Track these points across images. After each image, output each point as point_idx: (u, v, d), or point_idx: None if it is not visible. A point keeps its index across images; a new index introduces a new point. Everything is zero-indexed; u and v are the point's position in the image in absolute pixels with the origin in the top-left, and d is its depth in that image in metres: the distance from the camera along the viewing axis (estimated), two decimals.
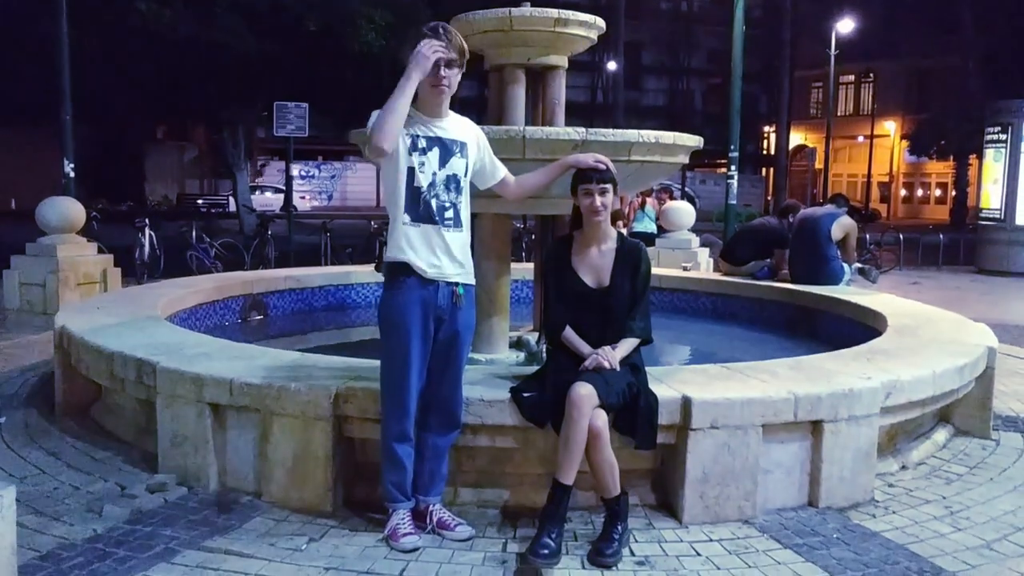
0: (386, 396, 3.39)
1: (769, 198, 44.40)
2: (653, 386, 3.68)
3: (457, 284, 3.38)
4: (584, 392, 3.28)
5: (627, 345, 3.57)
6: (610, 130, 5.25)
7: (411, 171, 3.29)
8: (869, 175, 43.16)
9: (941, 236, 19.29)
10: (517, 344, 6.14)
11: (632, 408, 3.49)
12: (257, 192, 34.87)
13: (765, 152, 51.89)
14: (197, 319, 6.72)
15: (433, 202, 3.31)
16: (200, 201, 36.31)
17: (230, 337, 6.83)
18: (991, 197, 17.39)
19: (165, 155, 42.33)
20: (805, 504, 3.90)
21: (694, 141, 5.68)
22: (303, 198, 40.70)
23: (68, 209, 8.54)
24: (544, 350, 5.98)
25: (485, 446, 3.74)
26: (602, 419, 3.32)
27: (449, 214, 3.35)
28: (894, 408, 4.14)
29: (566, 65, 6.27)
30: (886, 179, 49.84)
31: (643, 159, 5.14)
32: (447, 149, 3.35)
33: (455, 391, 3.48)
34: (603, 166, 3.55)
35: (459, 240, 3.39)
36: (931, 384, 4.31)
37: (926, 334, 5.36)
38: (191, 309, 6.61)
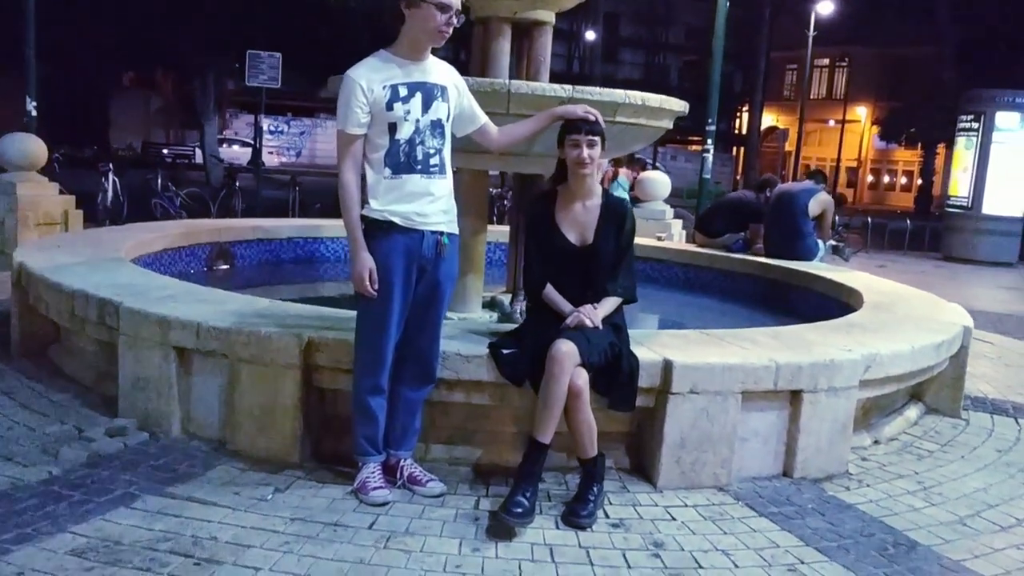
0: (362, 347, 3.27)
1: (738, 177, 44.56)
2: (633, 348, 3.60)
3: (442, 233, 3.26)
4: (565, 349, 3.19)
5: (610, 304, 3.49)
6: (597, 88, 5.13)
7: (393, 126, 3.15)
8: (839, 159, 43.43)
9: (908, 222, 19.47)
10: (491, 304, 6.05)
11: (613, 369, 3.41)
12: (224, 145, 34.23)
13: (737, 131, 51.98)
14: (162, 264, 6.52)
15: (419, 150, 3.17)
16: (166, 151, 35.59)
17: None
18: (959, 185, 17.55)
19: (131, 103, 41.26)
20: (780, 474, 3.86)
21: (680, 106, 5.58)
22: (271, 153, 40.06)
23: (29, 146, 8.24)
24: (519, 311, 5.90)
25: (460, 402, 3.64)
26: (583, 378, 3.23)
27: (435, 160, 3.21)
28: (872, 382, 4.11)
29: (553, 21, 6.11)
30: (854, 164, 50.28)
31: (628, 121, 5.04)
32: (429, 93, 3.20)
33: (432, 344, 3.37)
34: (592, 117, 3.44)
35: (445, 187, 3.26)
36: (909, 359, 4.29)
37: (902, 311, 5.34)
38: (156, 254, 6.41)
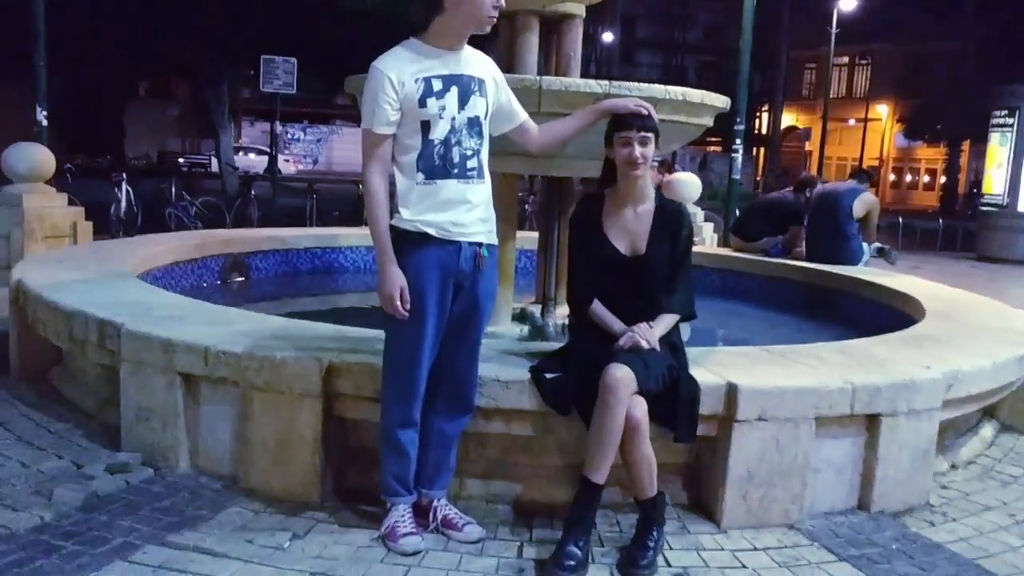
0: (391, 374, 2.89)
1: (758, 178, 43.98)
2: (691, 369, 3.21)
3: (481, 244, 2.88)
4: (621, 375, 2.80)
5: (666, 322, 3.09)
6: (635, 83, 4.76)
7: (426, 125, 2.77)
8: (861, 158, 42.74)
9: (940, 221, 18.93)
10: (520, 316, 5.66)
11: (671, 395, 3.01)
12: (240, 153, 34.07)
13: (757, 132, 51.39)
14: (172, 279, 6.19)
15: (455, 151, 2.78)
16: (181, 159, 35.44)
17: (208, 299, 6.35)
18: (994, 183, 16.99)
19: (147, 112, 41.22)
20: (855, 507, 3.45)
21: (722, 101, 5.21)
22: (288, 161, 39.89)
23: (37, 156, 7.93)
24: (551, 324, 5.52)
25: (498, 433, 3.25)
26: (641, 408, 2.84)
27: (473, 163, 2.83)
28: (953, 402, 3.69)
29: (583, 14, 5.74)
30: (876, 163, 49.55)
31: (668, 118, 4.66)
32: (466, 87, 2.82)
33: (470, 369, 2.98)
34: (645, 111, 3.04)
35: (483, 193, 2.88)
36: (991, 376, 3.87)
37: (969, 320, 4.92)
38: (166, 268, 6.07)
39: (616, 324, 3.07)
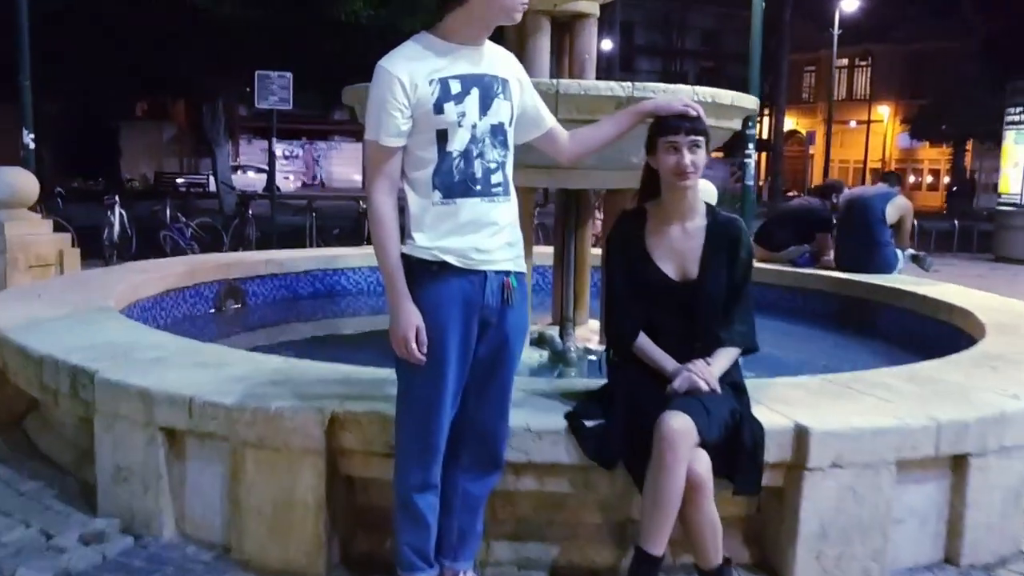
0: (406, 429, 2.45)
1: (760, 183, 43.60)
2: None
3: (508, 273, 2.44)
4: (679, 426, 2.35)
5: (726, 357, 2.65)
6: (660, 84, 4.36)
7: (443, 134, 2.33)
8: (866, 160, 42.38)
9: (956, 222, 18.48)
10: (539, 341, 5.22)
11: (733, 442, 2.57)
12: (239, 172, 33.71)
13: (758, 136, 51.00)
14: (163, 309, 5.76)
15: (477, 164, 2.35)
16: (179, 180, 35.10)
17: (202, 330, 5.91)
18: (1011, 181, 16.58)
19: (143, 133, 40.92)
20: (941, 561, 3.00)
21: (752, 103, 4.82)
22: (287, 178, 39.55)
23: (18, 181, 7.51)
24: (572, 348, 5.08)
25: (530, 490, 2.81)
26: (704, 464, 2.40)
27: (497, 178, 2.39)
28: None
29: (597, 13, 5.32)
30: (878, 165, 49.17)
31: None
32: (488, 89, 2.38)
33: (499, 420, 2.54)
34: (694, 112, 2.61)
35: (510, 213, 2.45)
36: None
37: None
38: (155, 298, 5.64)
39: (667, 362, 2.62)
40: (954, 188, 40.42)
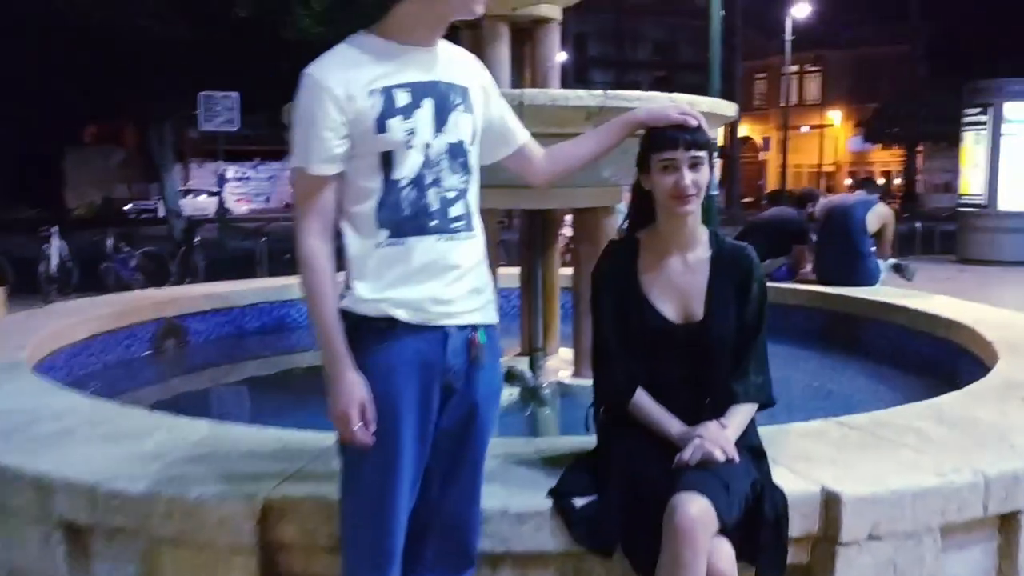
0: (353, 526, 1.94)
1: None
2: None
3: (475, 327, 1.97)
4: (697, 513, 1.89)
5: (742, 416, 2.20)
6: (635, 92, 3.94)
7: (389, 158, 1.85)
8: (820, 164, 42.67)
9: (918, 224, 18.38)
10: (508, 376, 4.75)
11: (753, 516, 2.12)
12: (190, 196, 32.86)
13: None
14: (90, 355, 5.19)
15: (431, 194, 1.88)
16: (129, 206, 34.13)
17: (135, 377, 5.36)
18: (972, 182, 16.47)
19: (91, 158, 39.81)
20: None
21: (732, 109, 4.45)
22: (239, 201, 38.69)
23: None
24: (544, 384, 4.62)
25: None
26: (728, 558, 1.94)
27: (458, 209, 1.92)
28: None
29: (560, 18, 4.91)
30: (832, 168, 49.60)
31: None
32: (444, 101, 1.91)
33: (470, 506, 2.05)
34: (695, 121, 2.17)
35: (475, 251, 1.97)
36: None
37: None
38: (80, 344, 5.07)
39: (672, 424, 2.17)
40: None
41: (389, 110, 1.83)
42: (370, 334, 1.86)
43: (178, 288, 7.99)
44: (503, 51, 4.69)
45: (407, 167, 1.85)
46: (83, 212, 32.90)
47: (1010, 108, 15.57)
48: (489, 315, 2.00)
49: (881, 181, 51.09)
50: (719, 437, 2.07)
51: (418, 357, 1.87)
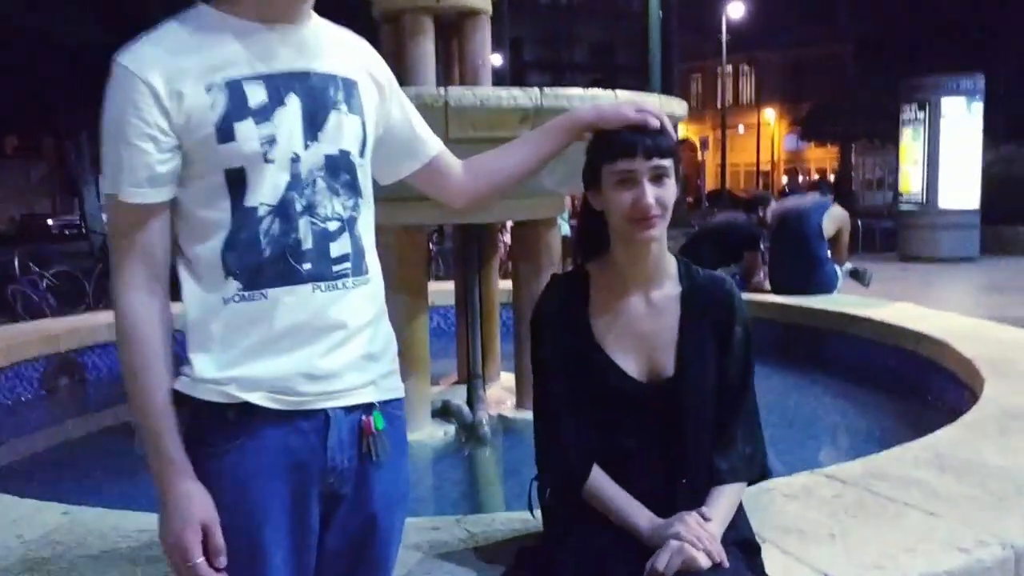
0: None
1: None
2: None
3: (371, 408, 1.43)
4: None
5: (729, 501, 1.70)
6: (576, 89, 3.50)
7: (237, 177, 1.31)
8: (758, 163, 43.04)
9: (859, 222, 18.31)
10: (443, 411, 4.25)
11: None
12: None
13: None
14: None
15: (302, 226, 1.34)
16: (51, 222, 32.75)
17: (21, 424, 4.75)
18: (911, 180, 16.43)
19: (11, 172, 38.22)
20: None
21: (682, 108, 4.04)
22: None
23: None
24: (484, 420, 4.12)
25: None
26: None
27: (341, 247, 1.38)
28: None
29: (489, 10, 4.42)
30: (767, 167, 50.14)
31: None
32: (320, 97, 1.38)
33: None
34: (655, 121, 1.67)
35: (368, 305, 1.44)
36: None
37: None
38: None
39: (639, 516, 1.66)
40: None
41: (236, 110, 1.29)
42: (217, 427, 1.33)
43: (81, 316, 7.28)
44: (427, 47, 4.18)
45: (266, 189, 1.31)
46: (2, 228, 31.47)
47: (948, 104, 15.55)
48: (391, 388, 1.47)
49: (816, 178, 52.07)
50: (701, 534, 1.58)
51: (286, 456, 1.34)
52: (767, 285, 6.40)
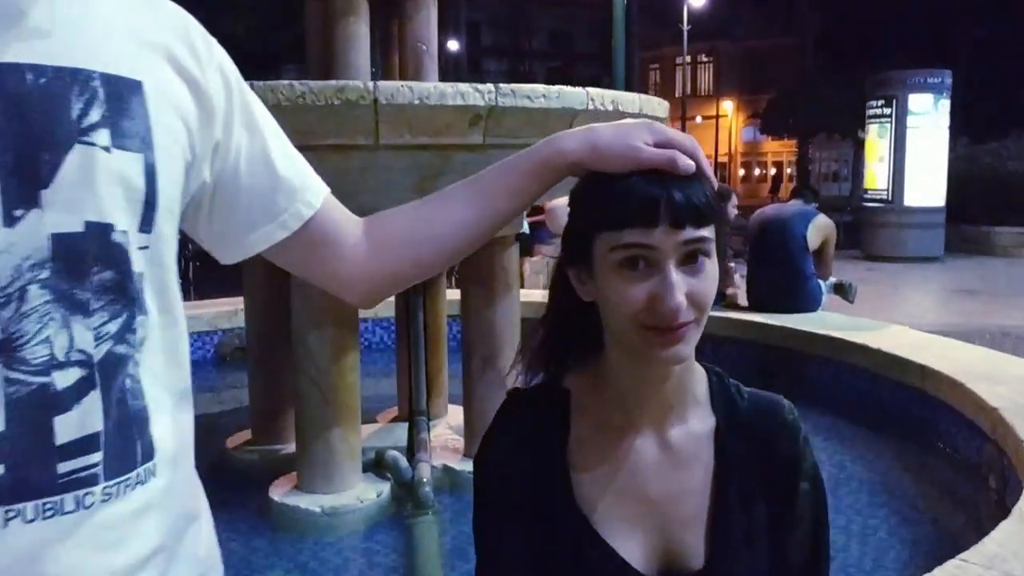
0: None
1: None
2: None
3: None
4: None
5: None
6: (538, 87, 2.84)
7: None
8: (716, 153, 42.87)
9: None
10: (376, 464, 3.58)
11: None
12: None
13: None
14: None
15: None
16: None
17: None
18: (877, 177, 16.07)
19: None
20: None
21: (663, 109, 3.41)
22: None
23: None
24: (426, 480, 3.45)
25: None
26: None
27: (79, 423, 0.69)
28: None
29: None
30: (725, 159, 50.13)
31: None
32: (38, 115, 0.67)
33: None
34: (689, 163, 0.97)
35: (147, 522, 0.74)
36: None
37: None
38: None
39: None
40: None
41: None
42: None
43: None
44: (360, 30, 3.47)
45: None
46: None
47: (915, 100, 15.20)
48: None
49: (772, 172, 52.16)
50: None
51: None
52: (743, 300, 5.81)
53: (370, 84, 2.53)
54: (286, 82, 2.50)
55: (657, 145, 0.94)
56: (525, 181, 0.98)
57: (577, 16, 46.05)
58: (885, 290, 11.81)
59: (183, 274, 9.94)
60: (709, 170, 0.97)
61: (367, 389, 4.23)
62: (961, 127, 19.03)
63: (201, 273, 8.75)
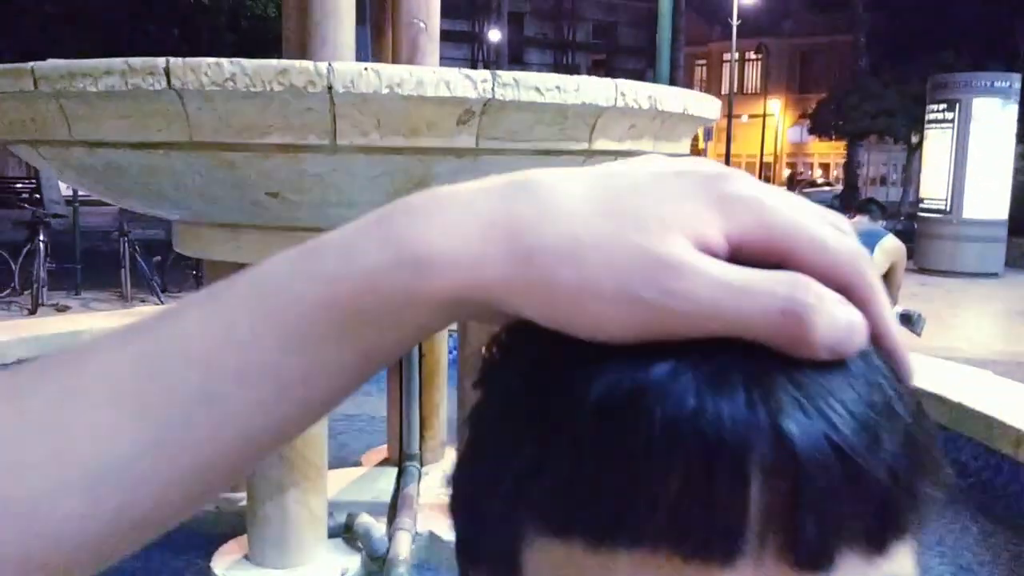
0: None
1: None
2: None
3: None
4: None
5: None
6: (545, 76, 2.15)
7: None
8: (761, 155, 41.83)
9: None
10: (346, 530, 2.96)
11: None
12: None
13: None
14: None
15: None
16: (19, 185, 31.18)
17: None
18: (934, 185, 15.13)
19: None
20: None
21: (715, 109, 2.74)
22: None
23: None
24: (409, 547, 2.82)
25: None
26: None
27: None
28: None
29: None
30: (770, 159, 49.02)
31: (618, 148, 2.19)
32: None
33: None
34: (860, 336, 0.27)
35: None
36: None
37: None
38: None
39: None
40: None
41: None
42: None
43: None
44: (343, 1, 2.83)
45: None
46: None
47: (980, 105, 14.22)
48: None
49: (819, 173, 50.93)
50: None
51: None
52: None
53: (323, 66, 1.89)
54: (211, 60, 1.87)
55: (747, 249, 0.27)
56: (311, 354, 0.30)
57: (622, 8, 45.20)
58: (941, 308, 10.95)
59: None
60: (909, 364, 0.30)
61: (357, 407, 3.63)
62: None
63: None
